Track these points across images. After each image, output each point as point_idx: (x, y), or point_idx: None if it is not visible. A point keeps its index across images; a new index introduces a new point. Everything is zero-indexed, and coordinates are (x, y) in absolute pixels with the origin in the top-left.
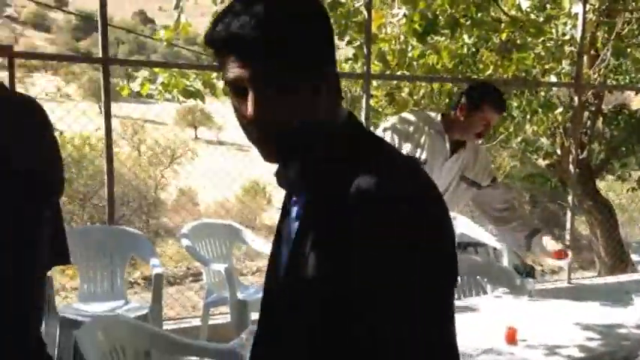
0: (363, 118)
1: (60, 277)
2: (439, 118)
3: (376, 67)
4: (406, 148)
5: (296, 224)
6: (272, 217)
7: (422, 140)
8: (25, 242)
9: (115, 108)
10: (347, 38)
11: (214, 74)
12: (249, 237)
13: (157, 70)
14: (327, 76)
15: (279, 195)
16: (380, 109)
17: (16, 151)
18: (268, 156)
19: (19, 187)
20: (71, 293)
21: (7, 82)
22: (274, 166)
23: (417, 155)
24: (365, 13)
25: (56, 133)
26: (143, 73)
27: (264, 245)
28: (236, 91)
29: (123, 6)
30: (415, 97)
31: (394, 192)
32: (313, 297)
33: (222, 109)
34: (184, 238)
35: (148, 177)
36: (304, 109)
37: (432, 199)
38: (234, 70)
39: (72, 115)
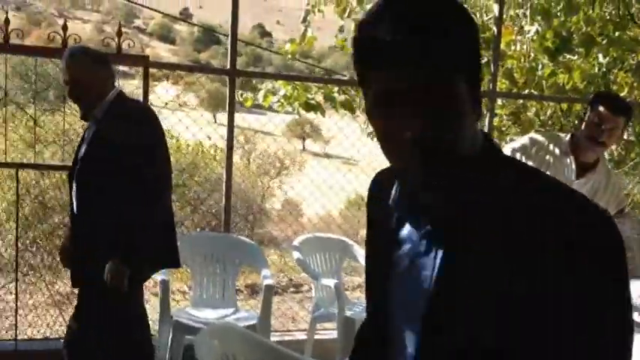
0: None
1: (171, 280)
2: (567, 137)
3: (502, 84)
4: None
5: (433, 256)
6: None
7: (546, 160)
8: (135, 245)
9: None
10: None
11: (335, 88)
12: (359, 253)
13: (280, 82)
14: (475, 89)
15: None
16: (503, 129)
17: (138, 158)
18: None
19: (139, 193)
20: (179, 296)
21: (141, 92)
22: None
23: None
24: (494, 28)
25: (172, 140)
26: (266, 85)
27: None
28: (386, 103)
29: (242, 19)
30: (542, 118)
31: (576, 217)
32: (488, 325)
33: (340, 122)
34: (295, 250)
35: (256, 186)
36: (454, 123)
37: (602, 222)
38: (387, 81)
39: (197, 123)
